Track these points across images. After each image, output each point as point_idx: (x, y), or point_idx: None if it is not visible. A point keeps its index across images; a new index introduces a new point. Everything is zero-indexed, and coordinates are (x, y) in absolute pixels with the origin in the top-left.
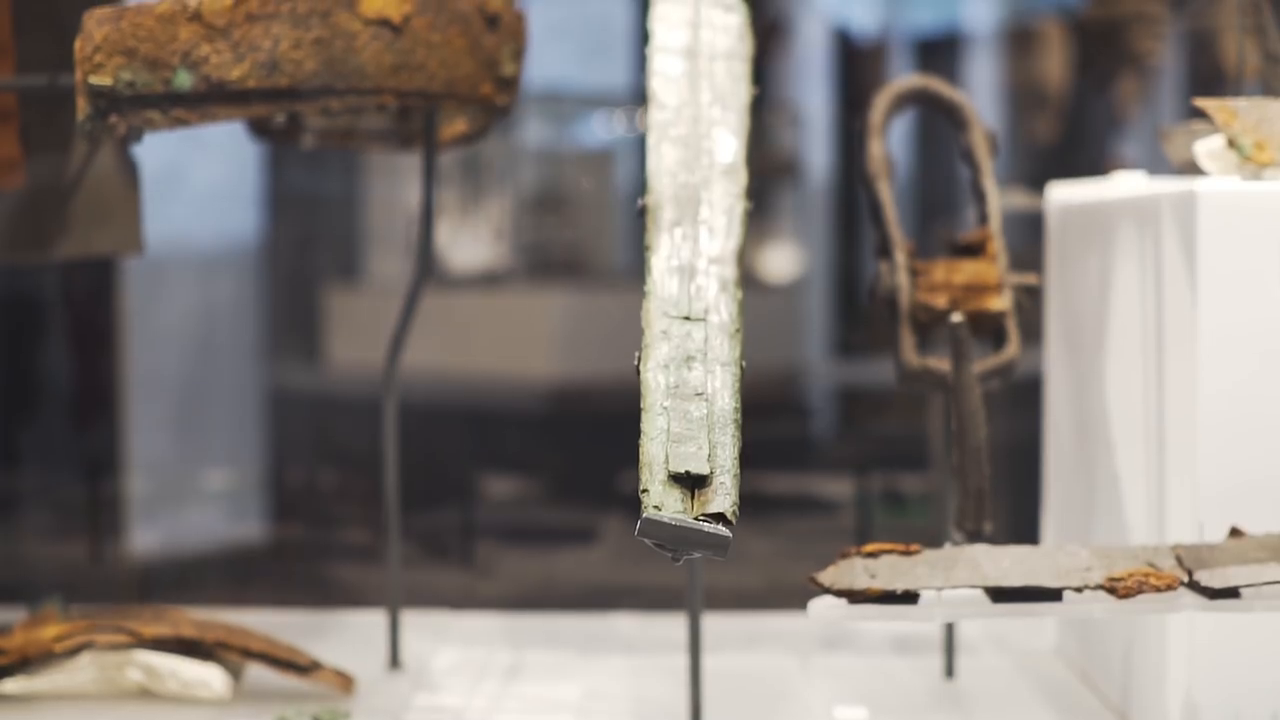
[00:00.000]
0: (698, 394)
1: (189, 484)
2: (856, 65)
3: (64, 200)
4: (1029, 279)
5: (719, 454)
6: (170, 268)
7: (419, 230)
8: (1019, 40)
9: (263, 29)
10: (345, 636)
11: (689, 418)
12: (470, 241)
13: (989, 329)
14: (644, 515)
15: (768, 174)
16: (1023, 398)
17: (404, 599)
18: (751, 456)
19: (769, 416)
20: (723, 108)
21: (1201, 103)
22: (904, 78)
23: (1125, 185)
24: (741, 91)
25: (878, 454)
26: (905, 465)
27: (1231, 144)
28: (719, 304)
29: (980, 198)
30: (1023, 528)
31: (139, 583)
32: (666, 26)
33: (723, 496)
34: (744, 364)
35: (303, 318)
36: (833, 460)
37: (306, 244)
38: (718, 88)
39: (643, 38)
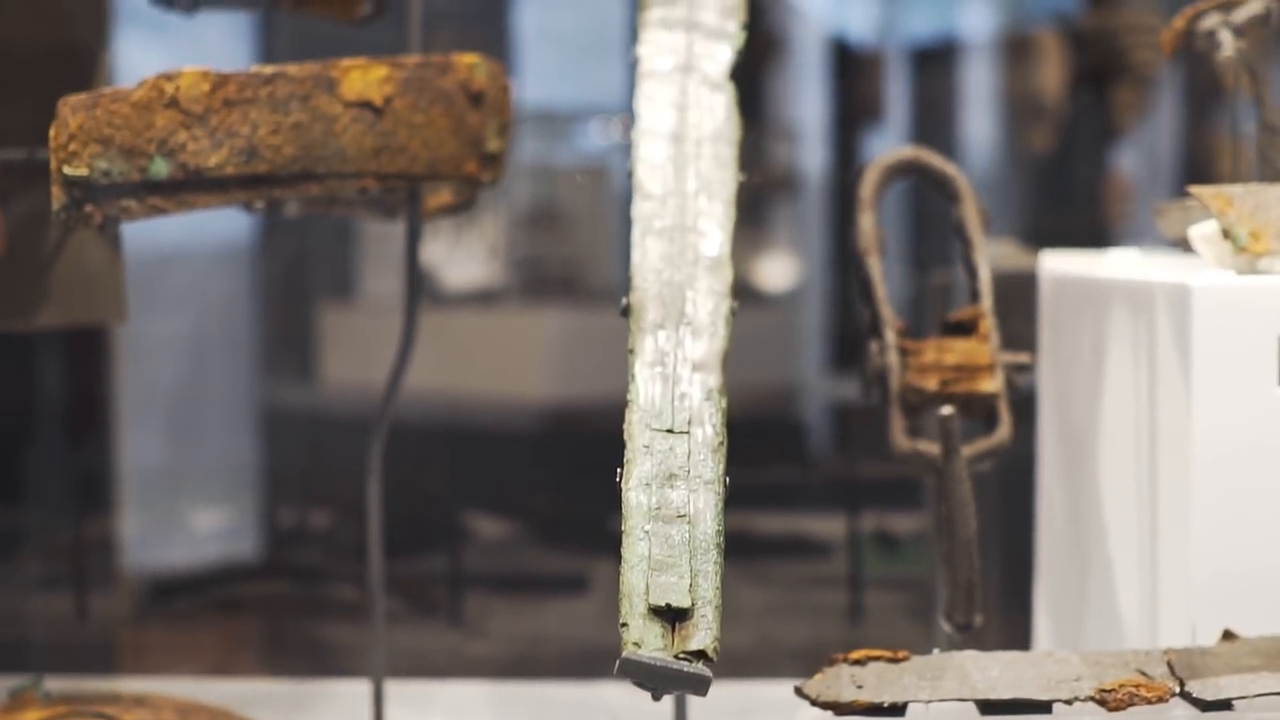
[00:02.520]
0: (679, 516)
1: (180, 522)
2: (853, 74)
3: (45, 268)
4: (1021, 358)
5: (700, 584)
6: (164, 284)
7: (405, 303)
8: (1016, 50)
9: (241, 114)
10: (330, 710)
11: (670, 542)
12: (464, 259)
13: (981, 410)
14: (623, 654)
15: (765, 188)
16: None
17: (390, 662)
18: (744, 493)
19: (763, 439)
20: (709, 197)
21: (1196, 190)
22: (895, 149)
23: (1119, 263)
24: (728, 179)
25: (872, 486)
26: (899, 498)
27: (1226, 234)
28: (703, 415)
29: (972, 273)
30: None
31: (125, 642)
32: (653, 108)
33: (704, 631)
34: (727, 480)
35: (298, 335)
36: (826, 490)
37: (301, 261)
38: (704, 175)
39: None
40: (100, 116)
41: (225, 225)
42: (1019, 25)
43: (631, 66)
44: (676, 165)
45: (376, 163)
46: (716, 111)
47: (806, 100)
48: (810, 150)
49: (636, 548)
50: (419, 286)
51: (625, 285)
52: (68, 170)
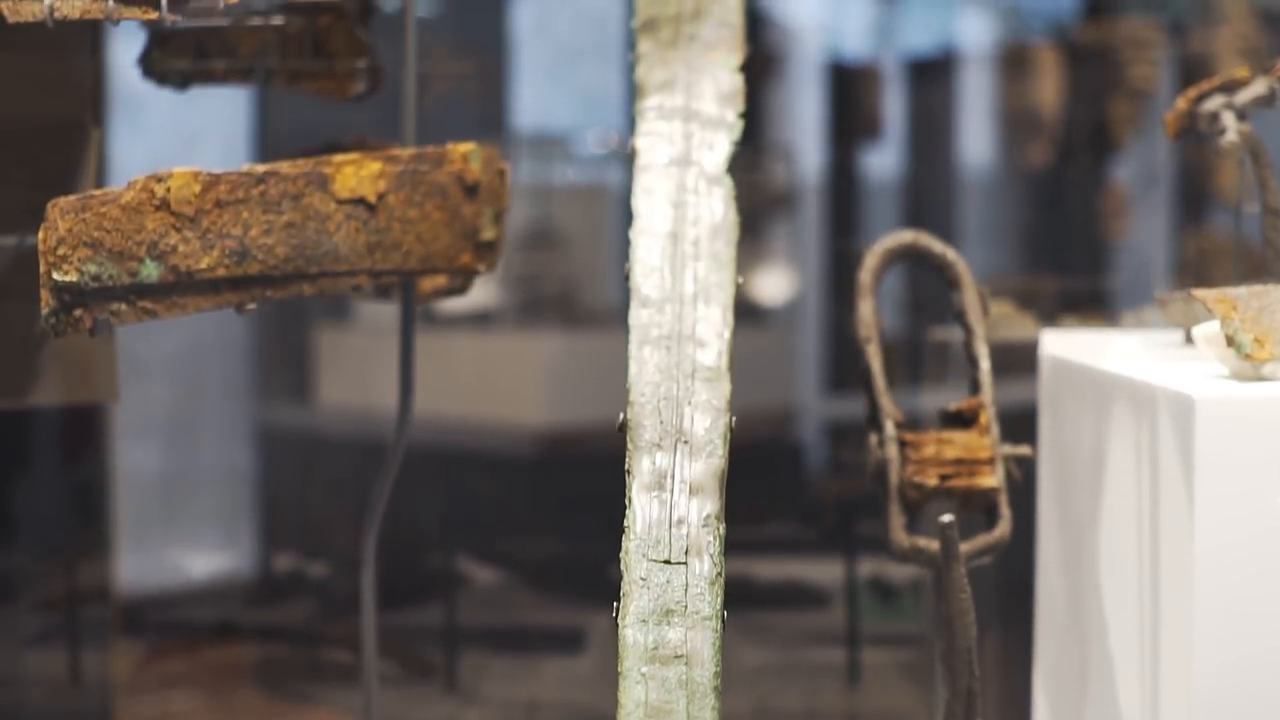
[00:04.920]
0: (677, 656)
1: (176, 560)
2: (850, 87)
3: (36, 346)
4: (1021, 450)
5: None
6: None
7: (399, 383)
8: (1013, 64)
9: (232, 215)
10: None
11: (667, 685)
12: None
13: (980, 505)
14: None
15: (762, 206)
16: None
17: None
18: (741, 544)
19: (759, 467)
20: (706, 302)
21: (1200, 294)
22: (894, 234)
23: (1121, 351)
24: (726, 281)
25: (867, 528)
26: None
27: (1230, 341)
28: (700, 544)
29: (973, 363)
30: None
31: (119, 704)
32: (650, 204)
33: None
34: (724, 614)
35: (294, 356)
36: (823, 534)
37: None
38: (702, 278)
39: (633, 42)
40: (90, 220)
41: None
42: (1016, 39)
43: (629, 158)
44: (674, 267)
45: (370, 260)
46: (715, 207)
47: (804, 116)
48: (808, 165)
49: (633, 692)
50: (412, 381)
51: (623, 307)
52: (57, 276)
